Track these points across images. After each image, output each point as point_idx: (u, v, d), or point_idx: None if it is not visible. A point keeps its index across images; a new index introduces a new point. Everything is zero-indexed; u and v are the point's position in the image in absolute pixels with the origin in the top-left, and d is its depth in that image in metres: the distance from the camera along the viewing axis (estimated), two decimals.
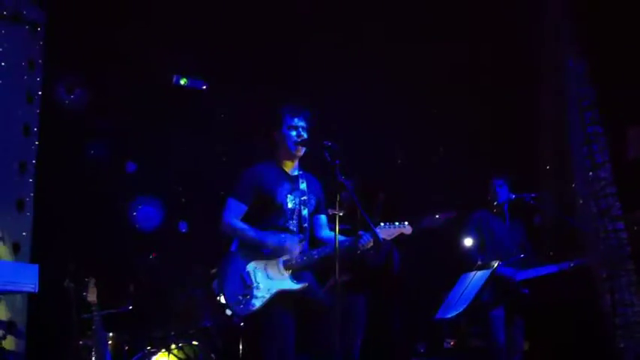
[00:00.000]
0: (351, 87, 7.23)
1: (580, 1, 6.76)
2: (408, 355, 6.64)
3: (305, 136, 4.40)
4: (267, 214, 4.34)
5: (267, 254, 4.25)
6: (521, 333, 5.77)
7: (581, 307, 6.54)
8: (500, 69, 7.24)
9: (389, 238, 4.28)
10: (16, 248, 6.24)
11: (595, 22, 6.58)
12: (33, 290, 4.97)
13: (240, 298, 4.17)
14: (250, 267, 4.24)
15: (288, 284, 4.21)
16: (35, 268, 4.99)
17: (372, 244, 4.19)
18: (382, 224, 4.28)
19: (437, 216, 5.25)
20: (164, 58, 7.24)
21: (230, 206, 4.33)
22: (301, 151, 4.40)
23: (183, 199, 7.30)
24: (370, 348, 5.97)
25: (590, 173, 6.76)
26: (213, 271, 5.98)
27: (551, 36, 7.21)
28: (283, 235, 4.26)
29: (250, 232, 4.27)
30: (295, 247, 4.24)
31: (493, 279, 5.15)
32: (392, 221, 4.31)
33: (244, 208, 4.33)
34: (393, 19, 7.08)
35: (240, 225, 4.30)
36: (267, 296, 4.16)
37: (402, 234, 4.31)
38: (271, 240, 4.23)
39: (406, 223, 4.30)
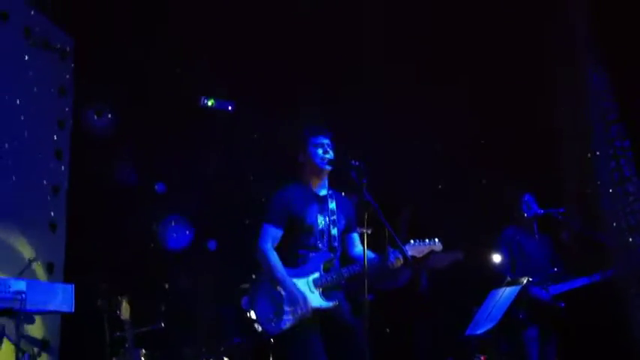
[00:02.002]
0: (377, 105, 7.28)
1: (603, 14, 6.76)
2: None
3: (331, 153, 4.44)
4: (298, 234, 4.37)
5: (291, 272, 4.26)
6: (554, 351, 5.73)
7: (612, 325, 6.48)
8: (522, 84, 7.24)
9: (419, 256, 4.28)
10: (50, 268, 6.36)
11: (617, 35, 6.57)
12: (69, 310, 5.05)
13: (272, 316, 4.21)
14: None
15: (319, 302, 4.24)
16: (71, 288, 5.06)
17: (401, 261, 4.20)
18: (412, 241, 4.28)
19: (446, 255, 5.21)
20: (191, 79, 7.36)
21: (266, 232, 4.35)
22: (328, 168, 4.43)
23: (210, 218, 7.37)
24: None
25: (619, 188, 6.74)
26: (243, 286, 6.04)
27: (573, 50, 7.22)
28: (311, 255, 4.28)
29: (277, 272, 4.25)
30: (306, 305, 4.18)
31: (527, 299, 5.13)
32: (422, 238, 4.31)
33: (280, 232, 4.36)
34: (416, 36, 7.14)
35: (273, 259, 4.28)
36: (298, 314, 4.19)
37: (432, 251, 4.30)
38: (289, 287, 4.20)
39: (436, 240, 4.30)
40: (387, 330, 5.94)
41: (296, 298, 4.17)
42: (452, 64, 7.23)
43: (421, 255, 4.29)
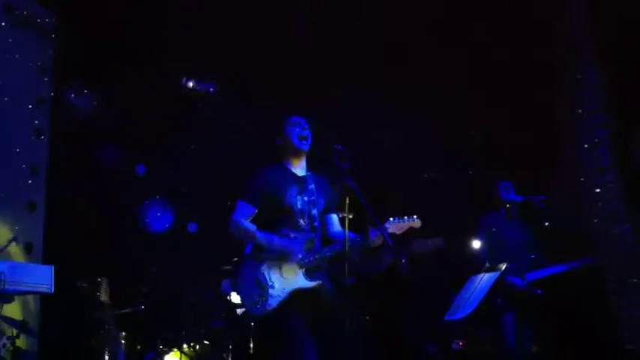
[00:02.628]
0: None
1: (598, 6, 6.78)
2: (416, 355, 6.67)
3: (308, 132, 4.47)
4: (278, 215, 4.39)
5: (274, 256, 4.29)
6: (531, 335, 5.80)
7: (590, 310, 6.56)
8: (515, 73, 7.26)
9: (399, 232, 4.30)
10: (28, 249, 6.31)
11: (610, 25, 6.60)
12: (48, 291, 5.02)
13: (257, 298, 4.23)
14: (264, 267, 4.30)
15: (302, 282, 4.26)
16: (50, 269, 5.04)
17: (381, 239, 4.22)
18: (391, 219, 4.29)
19: (427, 241, 5.25)
20: (173, 61, 7.30)
21: (239, 208, 4.40)
22: (305, 147, 4.46)
23: (191, 201, 7.34)
24: (380, 348, 6.01)
25: (598, 176, 6.80)
26: (224, 268, 6.03)
27: (567, 40, 7.25)
28: (293, 236, 4.31)
29: (258, 233, 4.33)
30: (302, 247, 4.29)
31: (504, 286, 5.18)
32: (400, 216, 4.32)
33: (253, 210, 4.39)
34: (412, 21, 7.12)
35: (248, 225, 4.35)
36: (283, 295, 4.22)
37: (411, 228, 4.32)
38: (278, 241, 4.29)
39: (415, 216, 4.31)
40: (367, 318, 5.96)
41: (289, 245, 4.24)
42: (441, 48, 7.21)
43: (401, 232, 4.29)
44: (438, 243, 5.21)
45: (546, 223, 6.78)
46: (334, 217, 4.61)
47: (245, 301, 4.28)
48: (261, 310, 4.22)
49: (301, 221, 4.39)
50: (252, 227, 4.36)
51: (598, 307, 6.59)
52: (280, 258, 4.30)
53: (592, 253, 5.76)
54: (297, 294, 4.24)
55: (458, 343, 6.32)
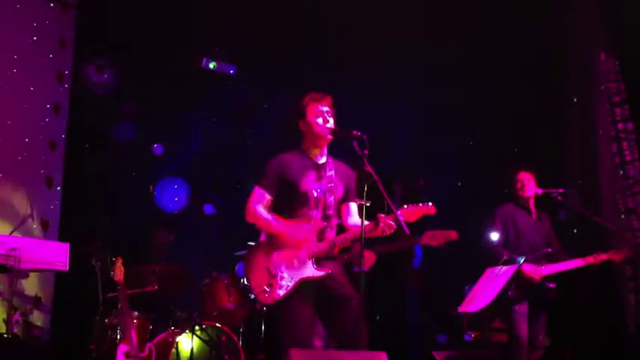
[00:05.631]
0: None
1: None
2: (428, 346, 6.65)
3: (331, 121, 4.40)
4: (292, 202, 4.36)
5: (286, 245, 4.27)
6: (544, 329, 5.76)
7: (605, 306, 6.50)
8: (527, 64, 7.16)
9: (414, 219, 4.25)
10: (44, 225, 6.34)
11: (626, 14, 6.48)
12: (63, 269, 5.03)
13: (266, 287, 4.23)
14: (275, 256, 4.29)
15: (311, 272, 4.24)
16: (66, 247, 5.05)
17: (393, 228, 4.17)
18: (405, 206, 4.25)
19: (436, 233, 5.21)
20: (195, 40, 7.26)
21: (255, 194, 4.39)
22: (329, 137, 4.40)
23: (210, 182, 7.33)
24: (390, 339, 6.00)
25: (620, 171, 6.71)
26: (239, 253, 6.03)
27: (580, 29, 7.13)
28: (306, 225, 4.27)
29: (271, 220, 4.31)
30: (314, 236, 4.25)
31: (517, 275, 5.13)
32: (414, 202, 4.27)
33: (269, 197, 4.38)
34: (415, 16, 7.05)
35: (262, 212, 4.33)
36: (291, 284, 4.20)
37: (426, 214, 4.26)
38: (290, 230, 4.26)
39: (430, 203, 4.25)
40: (377, 318, 5.93)
41: (298, 233, 4.23)
42: (452, 31, 7.13)
43: (415, 218, 4.22)
44: (450, 236, 5.16)
45: (562, 216, 6.72)
46: (353, 205, 4.55)
47: (254, 290, 4.27)
48: (269, 299, 4.22)
49: (314, 210, 4.35)
50: (268, 216, 4.33)
51: (613, 303, 6.54)
52: (291, 247, 4.28)
53: (608, 250, 5.68)
54: (305, 284, 4.22)
55: (470, 335, 6.29)
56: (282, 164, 4.40)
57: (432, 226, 5.12)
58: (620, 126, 6.81)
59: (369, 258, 5.73)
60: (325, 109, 4.42)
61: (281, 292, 4.19)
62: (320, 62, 7.30)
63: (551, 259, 5.72)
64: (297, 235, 4.26)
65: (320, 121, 4.39)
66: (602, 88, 6.92)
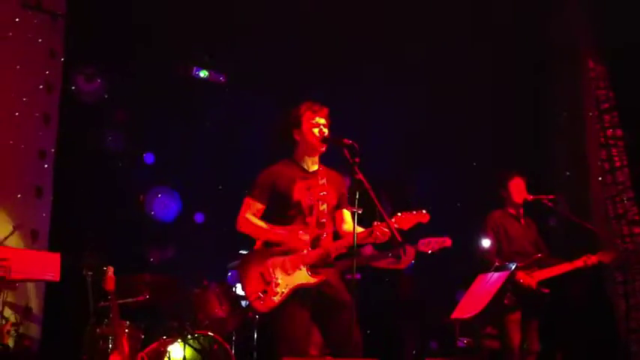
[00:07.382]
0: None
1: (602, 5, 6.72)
2: (421, 353, 6.66)
3: (326, 132, 4.40)
4: (285, 211, 4.36)
5: (280, 253, 4.28)
6: (536, 334, 5.77)
7: (596, 311, 6.53)
8: (515, 69, 7.21)
9: (407, 227, 4.26)
10: (34, 235, 6.31)
11: (615, 21, 6.54)
12: (54, 279, 5.00)
13: (260, 294, 4.23)
14: (270, 264, 4.29)
15: (305, 278, 4.24)
16: (57, 257, 5.02)
17: (386, 236, 4.18)
18: (399, 214, 4.26)
19: (431, 240, 5.22)
20: (185, 49, 7.26)
21: (247, 205, 4.39)
22: (323, 148, 4.42)
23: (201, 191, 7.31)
24: (383, 346, 5.99)
25: (608, 176, 6.75)
26: (231, 265, 6.03)
27: (569, 37, 7.19)
28: (300, 232, 4.27)
29: (265, 227, 4.32)
30: (307, 244, 4.26)
31: (512, 283, 5.15)
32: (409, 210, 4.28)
33: (260, 207, 4.39)
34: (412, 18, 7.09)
35: (255, 220, 4.35)
36: (286, 291, 4.21)
37: (420, 222, 4.26)
38: (284, 238, 4.27)
39: (424, 211, 4.27)
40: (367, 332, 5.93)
41: (296, 245, 4.24)
42: (445, 47, 7.17)
43: (409, 225, 4.23)
44: (444, 242, 5.17)
45: (552, 222, 6.76)
46: (346, 212, 4.57)
47: (249, 298, 4.27)
48: (264, 306, 4.22)
49: (308, 218, 4.36)
50: (261, 223, 4.35)
51: (603, 308, 6.57)
52: (286, 254, 4.28)
53: (598, 255, 5.71)
54: (299, 290, 4.22)
55: (463, 341, 6.30)
56: (274, 175, 4.41)
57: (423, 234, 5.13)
58: (609, 132, 6.87)
59: (409, 254, 5.66)
60: (322, 121, 4.42)
61: (276, 299, 4.19)
62: (310, 71, 7.32)
63: (542, 264, 5.74)
64: (292, 241, 4.26)
65: (316, 132, 4.39)
66: (591, 93, 6.98)
